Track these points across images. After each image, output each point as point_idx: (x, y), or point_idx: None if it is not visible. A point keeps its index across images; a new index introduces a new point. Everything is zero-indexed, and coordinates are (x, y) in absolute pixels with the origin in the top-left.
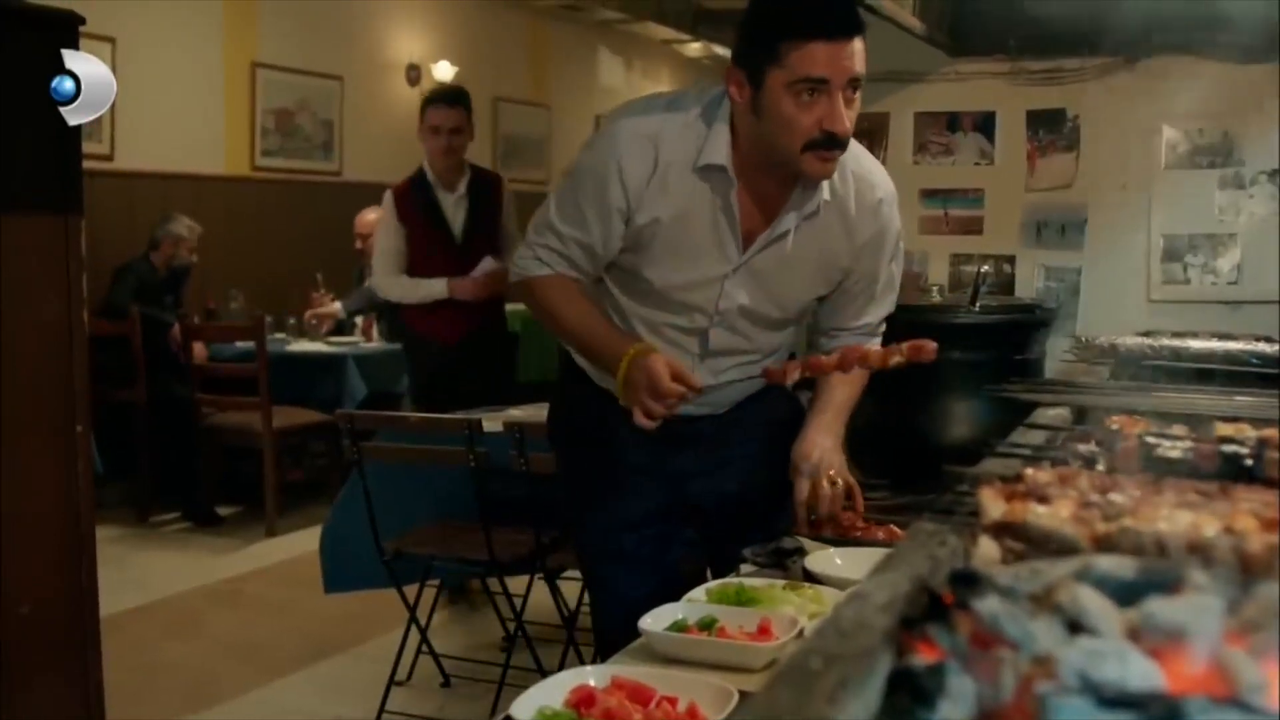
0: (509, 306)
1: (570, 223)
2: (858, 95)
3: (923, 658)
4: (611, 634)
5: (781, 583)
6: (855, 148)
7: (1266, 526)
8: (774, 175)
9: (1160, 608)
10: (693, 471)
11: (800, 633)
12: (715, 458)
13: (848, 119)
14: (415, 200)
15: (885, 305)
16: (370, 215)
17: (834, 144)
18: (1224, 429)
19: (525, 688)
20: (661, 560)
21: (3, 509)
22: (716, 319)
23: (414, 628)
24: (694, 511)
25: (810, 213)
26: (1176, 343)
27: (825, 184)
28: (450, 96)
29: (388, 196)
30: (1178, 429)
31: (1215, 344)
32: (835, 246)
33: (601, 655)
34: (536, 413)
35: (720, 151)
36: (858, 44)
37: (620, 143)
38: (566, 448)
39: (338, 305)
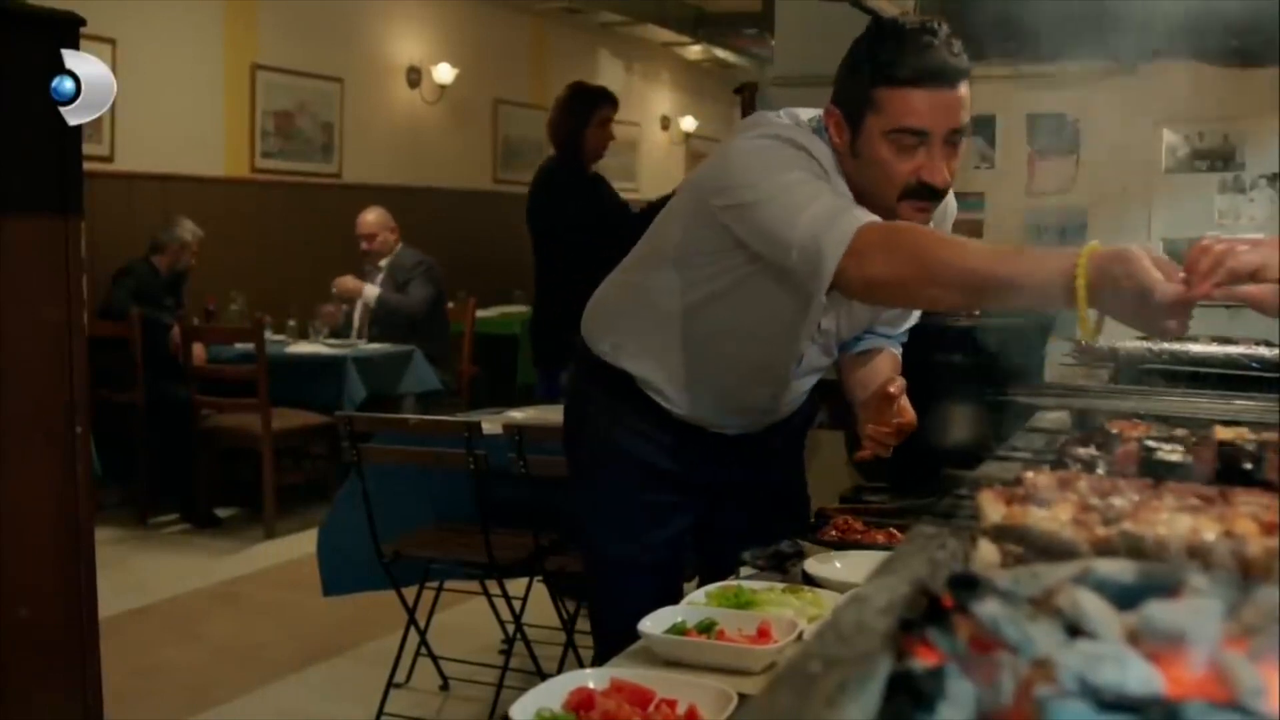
0: (509, 309)
1: (807, 178)
2: (960, 145)
3: (922, 661)
4: (616, 639)
5: (781, 586)
6: None
7: (1266, 530)
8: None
9: (1160, 611)
10: (707, 475)
11: (800, 636)
12: (728, 457)
13: (947, 170)
14: None
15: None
16: (370, 216)
17: (931, 195)
18: (1224, 433)
19: (524, 690)
20: (672, 565)
21: (2, 510)
22: (818, 338)
23: (413, 630)
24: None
25: None
26: (1176, 347)
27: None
28: None
29: None
30: (1178, 433)
31: (1215, 348)
32: None
33: (601, 659)
34: (536, 415)
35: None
36: (962, 91)
37: (785, 140)
38: (580, 454)
39: (369, 288)
